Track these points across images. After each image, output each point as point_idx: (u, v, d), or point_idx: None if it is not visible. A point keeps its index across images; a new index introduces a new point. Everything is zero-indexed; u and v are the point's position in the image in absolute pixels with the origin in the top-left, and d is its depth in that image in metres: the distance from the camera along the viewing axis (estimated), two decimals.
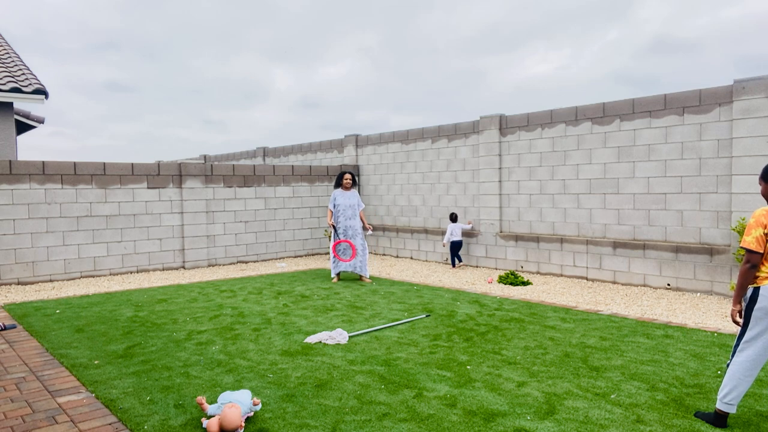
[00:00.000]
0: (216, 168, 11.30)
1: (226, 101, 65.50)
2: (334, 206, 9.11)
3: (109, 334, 5.84)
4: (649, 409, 3.77)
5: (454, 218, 10.84)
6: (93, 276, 9.82)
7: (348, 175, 9.11)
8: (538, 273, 9.80)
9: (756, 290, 3.42)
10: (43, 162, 9.32)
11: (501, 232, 10.46)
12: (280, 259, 12.28)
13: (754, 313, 3.41)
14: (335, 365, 4.75)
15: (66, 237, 9.54)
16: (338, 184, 9.21)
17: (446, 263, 11.33)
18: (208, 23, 62.23)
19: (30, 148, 34.30)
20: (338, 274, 9.24)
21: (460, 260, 10.89)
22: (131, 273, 10.25)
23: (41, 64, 57.36)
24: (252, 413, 3.68)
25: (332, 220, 9.09)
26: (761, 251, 3.38)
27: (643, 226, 8.46)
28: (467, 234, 10.98)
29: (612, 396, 4.00)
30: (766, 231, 3.38)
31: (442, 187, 11.57)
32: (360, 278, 9.20)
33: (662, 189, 8.23)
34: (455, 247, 10.74)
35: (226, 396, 3.66)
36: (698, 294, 7.79)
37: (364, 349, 5.21)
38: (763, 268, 3.43)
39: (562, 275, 9.46)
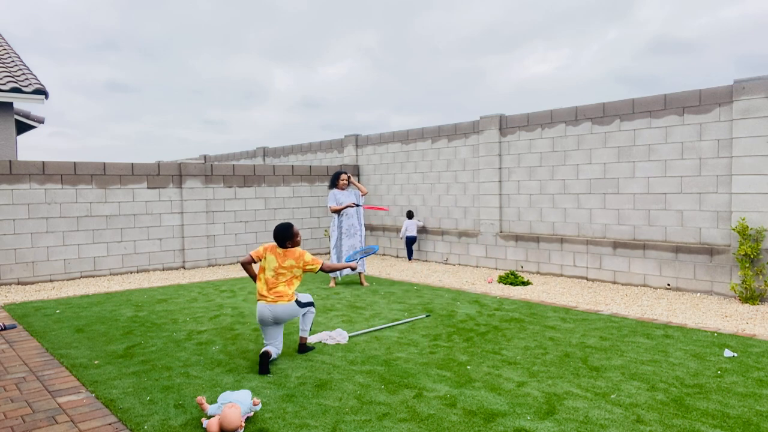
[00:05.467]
0: (216, 168, 11.30)
1: (226, 101, 65.48)
2: (336, 203, 8.94)
3: (109, 334, 5.84)
4: (649, 409, 3.77)
5: (410, 215, 11.62)
6: (93, 276, 9.82)
7: (344, 175, 8.95)
8: (538, 273, 9.80)
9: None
10: (43, 162, 9.32)
11: (501, 232, 10.46)
12: None
13: None
14: (335, 365, 4.75)
15: (66, 237, 9.54)
16: (333, 185, 9.03)
17: (446, 263, 11.36)
18: (208, 23, 62.25)
19: (30, 148, 34.32)
20: (335, 279, 9.11)
21: (412, 255, 11.89)
22: (131, 273, 10.25)
23: (41, 64, 57.40)
24: (252, 413, 3.68)
25: (337, 213, 8.87)
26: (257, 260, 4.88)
27: (643, 226, 8.46)
28: (421, 230, 11.83)
29: (612, 396, 4.00)
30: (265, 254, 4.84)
31: (442, 187, 11.57)
32: (359, 276, 9.12)
33: (662, 189, 8.23)
34: (410, 241, 11.68)
35: (226, 396, 3.66)
36: (698, 294, 7.79)
37: (364, 349, 5.21)
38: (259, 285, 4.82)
39: (562, 275, 9.46)
